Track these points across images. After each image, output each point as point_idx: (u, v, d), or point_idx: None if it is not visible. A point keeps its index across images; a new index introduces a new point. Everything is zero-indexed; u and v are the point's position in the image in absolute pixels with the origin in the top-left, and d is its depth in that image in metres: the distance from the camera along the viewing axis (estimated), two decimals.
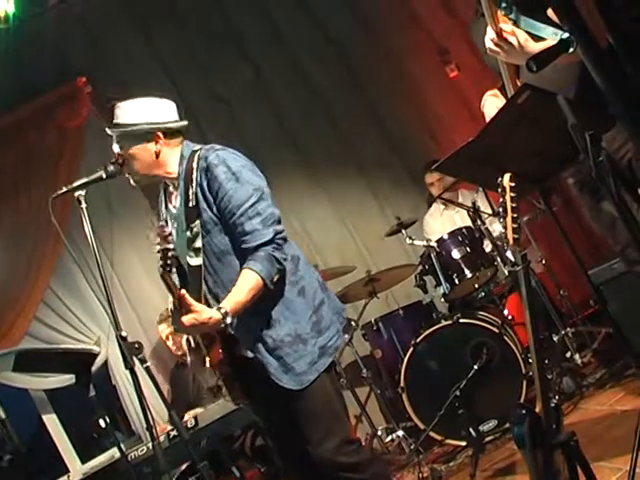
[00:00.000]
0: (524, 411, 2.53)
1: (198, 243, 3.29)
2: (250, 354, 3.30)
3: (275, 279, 3.20)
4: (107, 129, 3.47)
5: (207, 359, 3.33)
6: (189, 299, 3.04)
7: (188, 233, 3.32)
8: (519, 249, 2.55)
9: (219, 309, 3.07)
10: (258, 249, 3.17)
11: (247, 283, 3.12)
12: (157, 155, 3.42)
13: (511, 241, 2.55)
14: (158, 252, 2.99)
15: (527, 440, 2.51)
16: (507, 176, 2.59)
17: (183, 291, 3.04)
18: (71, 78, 6.63)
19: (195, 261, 3.32)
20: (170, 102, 3.53)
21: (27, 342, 6.19)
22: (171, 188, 3.50)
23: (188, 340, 3.46)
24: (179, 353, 6.00)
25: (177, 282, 3.33)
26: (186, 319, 3.02)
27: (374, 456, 3.95)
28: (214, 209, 3.28)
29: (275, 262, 3.18)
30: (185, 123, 3.54)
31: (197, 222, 3.29)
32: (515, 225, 2.54)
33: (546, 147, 3.04)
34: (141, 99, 3.46)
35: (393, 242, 6.69)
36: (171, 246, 3.00)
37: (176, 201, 3.45)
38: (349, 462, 3.26)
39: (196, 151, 3.40)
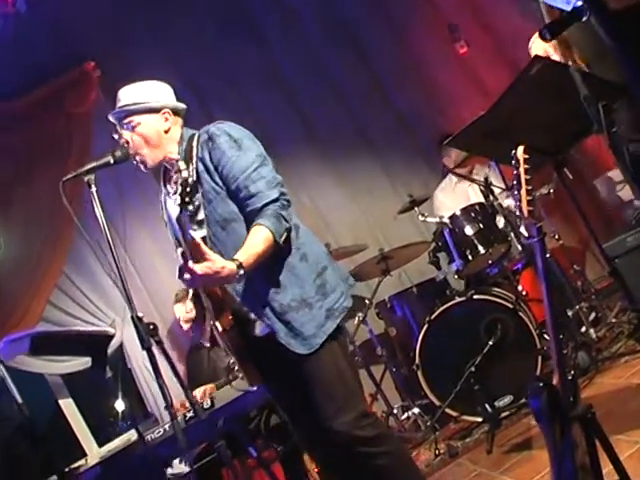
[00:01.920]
0: (541, 384, 2.52)
1: (200, 215, 3.28)
2: (259, 332, 3.31)
3: (283, 237, 3.18)
4: (110, 116, 3.49)
5: (218, 324, 3.32)
6: (204, 247, 2.98)
7: (190, 207, 3.31)
8: (534, 221, 2.53)
9: (233, 260, 3.02)
10: (264, 208, 3.16)
11: (258, 237, 3.09)
12: (167, 132, 3.45)
13: (526, 214, 2.52)
14: (180, 184, 2.93)
15: (545, 413, 2.50)
16: (521, 148, 2.56)
17: (198, 239, 2.98)
18: (79, 63, 6.62)
19: (199, 233, 3.28)
20: (168, 86, 3.58)
21: (42, 327, 6.20)
22: (172, 172, 3.48)
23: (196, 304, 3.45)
24: (192, 335, 6.02)
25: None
26: (199, 267, 2.93)
27: (387, 429, 3.99)
28: (216, 178, 3.28)
29: (283, 220, 3.16)
30: (185, 106, 3.58)
31: (198, 195, 3.27)
32: (530, 197, 2.52)
33: (559, 119, 3.03)
34: (143, 82, 3.51)
35: (405, 220, 6.67)
36: (189, 177, 2.95)
37: (176, 184, 3.42)
38: (366, 436, 3.25)
39: (194, 134, 3.43)
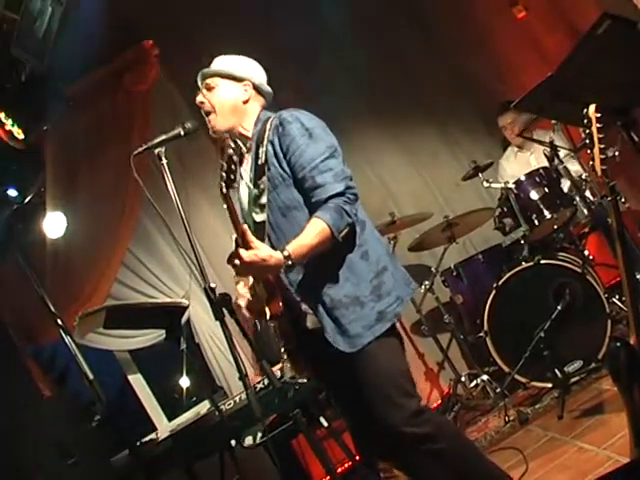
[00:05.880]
0: (619, 344, 2.51)
1: (264, 199, 3.28)
2: (310, 325, 3.30)
3: (344, 232, 3.17)
4: (199, 75, 3.54)
5: (267, 310, 3.32)
6: (250, 235, 3.01)
7: (255, 190, 3.32)
8: (608, 180, 2.50)
9: (282, 251, 3.05)
10: (328, 201, 3.16)
11: (313, 229, 3.09)
12: (244, 103, 3.48)
13: (599, 172, 2.50)
14: (222, 165, 2.96)
15: (623, 373, 2.48)
16: (592, 107, 2.54)
17: (245, 226, 3.03)
18: (138, 42, 6.66)
19: (260, 217, 3.31)
20: (262, 68, 3.63)
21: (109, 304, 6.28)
22: (243, 150, 3.49)
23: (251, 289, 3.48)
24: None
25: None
26: (246, 254, 2.98)
27: (446, 421, 4.02)
28: (284, 164, 3.28)
29: (345, 215, 3.15)
30: (271, 91, 3.60)
31: (264, 178, 3.28)
32: (603, 156, 2.49)
33: (628, 78, 2.98)
34: (240, 56, 3.57)
35: (468, 187, 6.64)
36: (235, 158, 2.98)
37: (247, 164, 3.46)
38: (420, 433, 3.20)
39: (270, 117, 3.43)
